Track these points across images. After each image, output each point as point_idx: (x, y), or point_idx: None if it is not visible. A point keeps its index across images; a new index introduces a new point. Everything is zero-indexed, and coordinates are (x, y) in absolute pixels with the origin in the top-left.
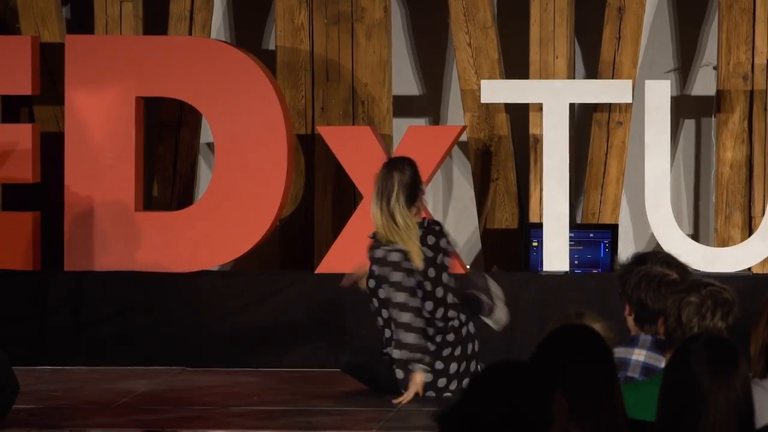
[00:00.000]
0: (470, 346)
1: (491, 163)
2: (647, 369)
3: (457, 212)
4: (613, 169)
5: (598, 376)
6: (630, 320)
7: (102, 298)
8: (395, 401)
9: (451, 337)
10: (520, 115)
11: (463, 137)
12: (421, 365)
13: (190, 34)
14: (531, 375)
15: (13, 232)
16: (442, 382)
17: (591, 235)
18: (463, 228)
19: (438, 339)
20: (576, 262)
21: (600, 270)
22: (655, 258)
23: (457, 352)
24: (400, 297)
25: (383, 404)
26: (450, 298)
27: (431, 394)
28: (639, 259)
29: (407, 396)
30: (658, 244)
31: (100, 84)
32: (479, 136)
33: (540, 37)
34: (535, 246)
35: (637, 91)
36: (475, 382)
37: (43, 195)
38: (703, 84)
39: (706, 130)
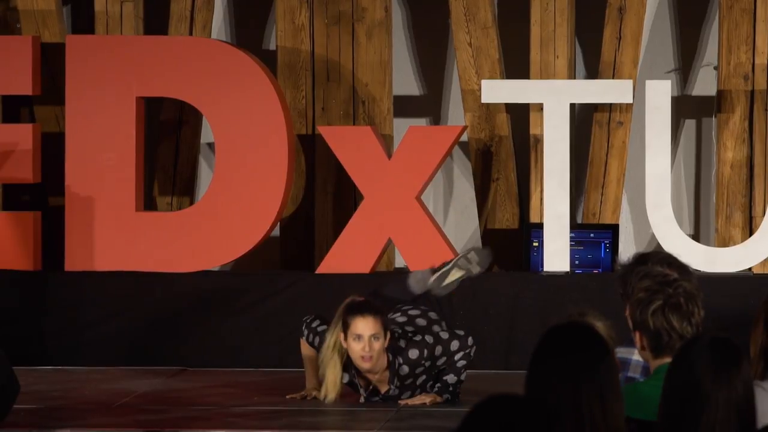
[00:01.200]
0: None
1: (492, 163)
2: (648, 369)
3: (458, 212)
4: (613, 169)
5: (597, 372)
6: (630, 320)
7: (102, 298)
8: (402, 402)
9: None
10: (521, 115)
11: (464, 137)
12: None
13: (191, 34)
14: (529, 410)
15: (14, 232)
16: None
17: (591, 235)
18: (463, 228)
19: None
20: (577, 262)
21: (600, 270)
22: (655, 258)
23: None
24: (457, 342)
25: (384, 404)
26: None
27: None
28: (640, 259)
29: (416, 401)
30: (658, 244)
31: (101, 84)
32: (480, 136)
33: (540, 37)
34: (535, 246)
35: (638, 91)
36: (473, 413)
37: (44, 195)
38: (704, 84)
39: (707, 130)
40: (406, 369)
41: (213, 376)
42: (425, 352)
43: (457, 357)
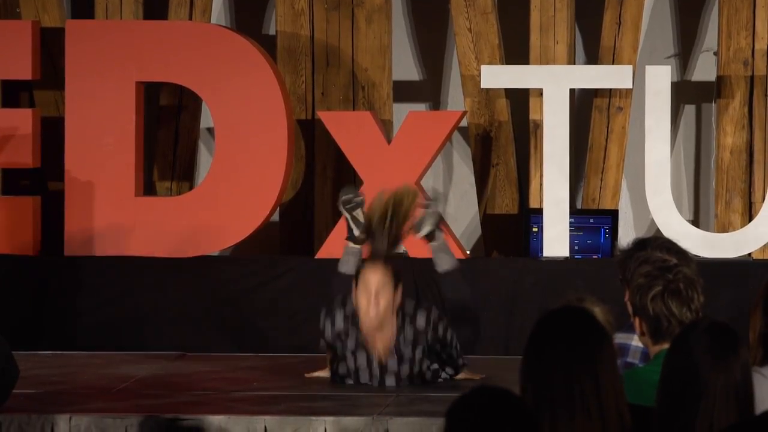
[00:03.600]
0: None
1: (491, 148)
2: (647, 355)
3: (457, 197)
4: (613, 154)
5: (591, 360)
6: (630, 306)
7: (102, 283)
8: (457, 377)
9: None
10: (521, 100)
11: (464, 122)
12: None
13: (191, 19)
14: (516, 403)
15: (14, 217)
16: None
17: (591, 220)
18: (463, 213)
19: None
20: (576, 247)
21: (600, 255)
22: (654, 243)
23: None
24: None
25: (384, 389)
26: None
27: None
28: (639, 244)
29: (465, 375)
30: (658, 230)
31: (100, 69)
32: (479, 122)
33: (540, 22)
34: (535, 231)
35: (638, 77)
36: (458, 406)
37: (44, 180)
38: (704, 69)
39: (707, 115)
40: (411, 333)
41: (213, 361)
42: (433, 312)
43: (449, 337)
